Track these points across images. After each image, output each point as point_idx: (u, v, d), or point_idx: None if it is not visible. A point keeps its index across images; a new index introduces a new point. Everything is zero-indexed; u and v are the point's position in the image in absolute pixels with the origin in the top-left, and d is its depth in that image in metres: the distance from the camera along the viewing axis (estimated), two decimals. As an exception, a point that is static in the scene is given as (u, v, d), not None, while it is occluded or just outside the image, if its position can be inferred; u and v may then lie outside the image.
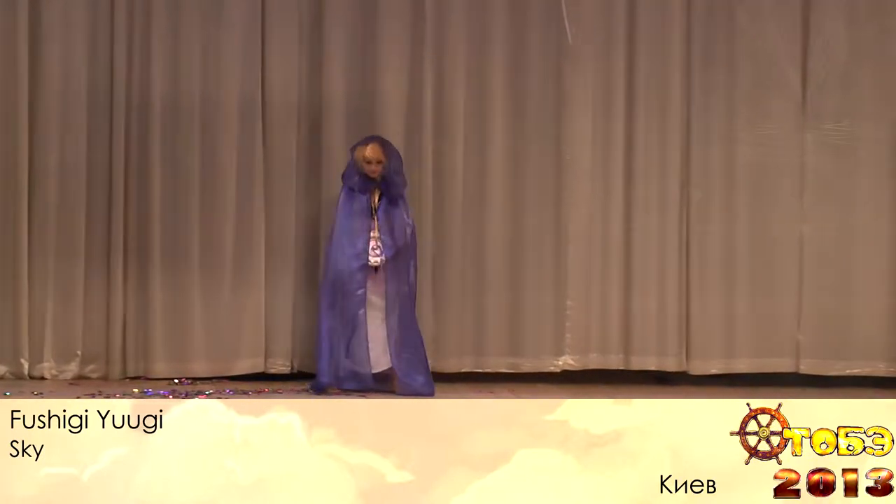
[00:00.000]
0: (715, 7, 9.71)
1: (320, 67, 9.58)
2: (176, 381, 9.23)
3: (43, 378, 9.35)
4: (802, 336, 9.65)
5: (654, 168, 9.68)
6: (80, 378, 9.36)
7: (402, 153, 9.00)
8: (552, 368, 9.56)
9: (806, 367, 9.62)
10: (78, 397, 7.93)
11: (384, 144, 8.84)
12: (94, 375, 9.41)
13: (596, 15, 9.66)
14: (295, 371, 9.53)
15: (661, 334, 9.63)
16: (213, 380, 9.32)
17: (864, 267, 9.68)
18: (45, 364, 9.38)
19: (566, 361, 9.58)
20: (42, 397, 7.95)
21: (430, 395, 8.41)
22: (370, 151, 8.74)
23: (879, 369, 9.62)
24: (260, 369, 9.47)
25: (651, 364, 9.61)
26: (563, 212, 9.62)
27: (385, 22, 9.59)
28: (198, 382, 9.20)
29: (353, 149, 8.86)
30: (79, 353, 9.41)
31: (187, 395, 8.16)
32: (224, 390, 8.60)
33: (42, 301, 9.39)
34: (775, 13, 9.67)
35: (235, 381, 9.28)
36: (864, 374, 9.60)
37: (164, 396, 8.12)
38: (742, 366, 9.63)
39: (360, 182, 8.77)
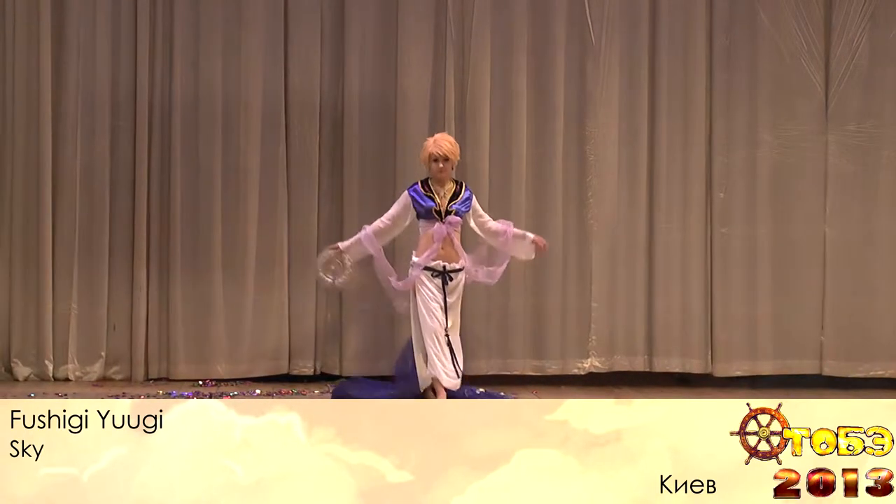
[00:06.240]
0: (737, 9, 9.69)
1: (342, 67, 9.57)
2: (200, 382, 9.24)
3: (67, 380, 9.35)
4: (826, 338, 9.64)
5: (677, 169, 9.67)
6: (103, 380, 9.37)
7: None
8: (577, 371, 9.55)
9: (829, 370, 9.61)
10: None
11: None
12: (117, 377, 9.42)
13: (619, 15, 9.64)
14: (318, 373, 9.53)
15: (685, 336, 9.62)
16: (237, 381, 9.33)
17: (886, 268, 9.66)
18: (70, 366, 9.39)
19: (592, 363, 9.57)
20: (66, 399, 7.96)
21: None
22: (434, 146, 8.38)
23: (902, 371, 9.63)
24: (283, 371, 9.47)
25: (675, 366, 9.60)
26: (588, 213, 9.61)
27: (407, 21, 9.58)
28: (221, 384, 9.21)
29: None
30: (103, 354, 9.41)
31: (212, 397, 8.16)
32: (253, 391, 8.61)
33: (66, 303, 9.40)
34: (797, 15, 9.65)
35: (258, 382, 9.30)
36: (887, 375, 9.59)
37: (189, 398, 8.11)
38: (766, 368, 9.61)
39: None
